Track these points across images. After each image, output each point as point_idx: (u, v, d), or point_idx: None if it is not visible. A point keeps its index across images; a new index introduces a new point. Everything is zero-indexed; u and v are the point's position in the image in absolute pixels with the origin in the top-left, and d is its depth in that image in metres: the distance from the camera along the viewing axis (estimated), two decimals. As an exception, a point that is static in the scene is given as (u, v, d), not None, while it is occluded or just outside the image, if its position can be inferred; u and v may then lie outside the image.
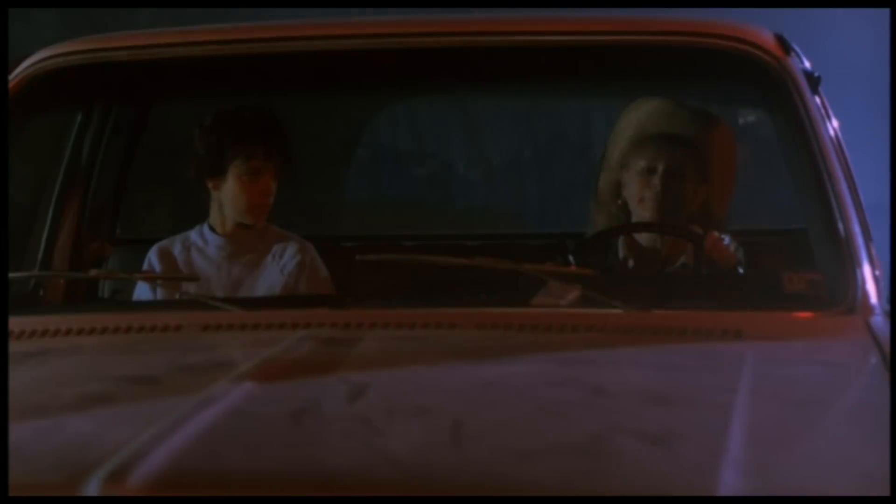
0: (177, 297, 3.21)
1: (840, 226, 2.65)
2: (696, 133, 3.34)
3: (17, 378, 2.14)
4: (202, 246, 3.56)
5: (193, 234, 3.58)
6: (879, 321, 2.53)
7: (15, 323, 2.54)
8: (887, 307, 2.61)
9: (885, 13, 5.00)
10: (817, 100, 2.86)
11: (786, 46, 2.87)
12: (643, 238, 3.34)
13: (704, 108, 3.45)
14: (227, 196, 3.51)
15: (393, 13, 5.65)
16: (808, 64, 2.94)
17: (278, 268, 3.51)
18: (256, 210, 3.51)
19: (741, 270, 3.11)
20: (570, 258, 3.01)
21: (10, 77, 2.98)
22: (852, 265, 2.61)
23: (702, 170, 3.31)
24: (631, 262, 3.31)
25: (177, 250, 3.56)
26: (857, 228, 2.66)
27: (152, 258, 3.56)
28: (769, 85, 2.84)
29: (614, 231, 3.37)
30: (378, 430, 1.84)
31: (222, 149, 3.47)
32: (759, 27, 2.91)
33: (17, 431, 1.81)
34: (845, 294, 2.57)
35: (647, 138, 3.33)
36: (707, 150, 3.34)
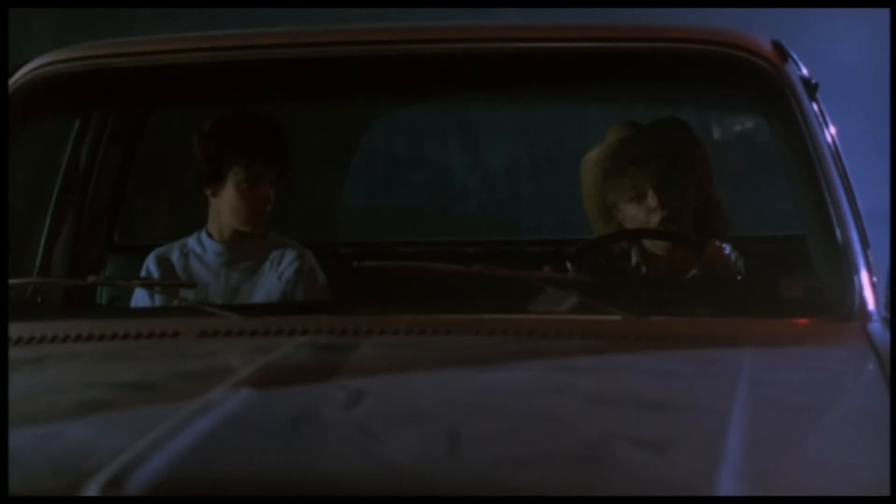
0: (175, 303, 3.21)
1: (837, 232, 2.65)
2: (668, 143, 3.30)
3: (16, 384, 2.14)
4: (200, 253, 3.56)
5: (191, 241, 3.58)
6: (877, 327, 2.53)
7: (13, 329, 2.54)
8: (885, 314, 2.61)
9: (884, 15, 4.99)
10: (815, 107, 2.86)
11: (783, 53, 2.87)
12: (656, 247, 3.30)
13: (660, 115, 3.40)
14: (226, 203, 3.50)
15: (393, 13, 5.66)
16: (805, 70, 2.94)
17: (276, 274, 3.51)
18: (255, 217, 3.51)
19: (740, 278, 3.11)
20: (568, 265, 3.01)
21: (9, 83, 2.98)
22: (850, 272, 2.61)
23: (685, 174, 3.28)
24: (644, 269, 3.29)
25: (175, 257, 3.56)
26: (854, 235, 2.66)
27: (150, 265, 3.56)
28: (767, 92, 2.84)
29: (611, 238, 3.36)
30: (376, 437, 1.84)
31: (221, 156, 3.47)
32: (757, 34, 2.92)
33: (16, 438, 1.81)
34: (843, 300, 2.57)
35: (626, 165, 3.27)
36: (681, 154, 3.30)
